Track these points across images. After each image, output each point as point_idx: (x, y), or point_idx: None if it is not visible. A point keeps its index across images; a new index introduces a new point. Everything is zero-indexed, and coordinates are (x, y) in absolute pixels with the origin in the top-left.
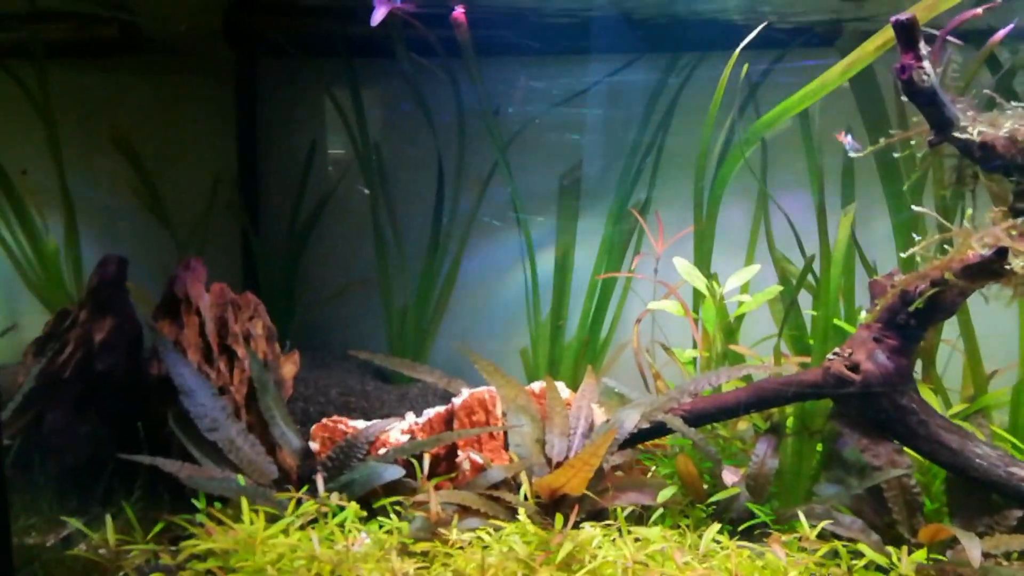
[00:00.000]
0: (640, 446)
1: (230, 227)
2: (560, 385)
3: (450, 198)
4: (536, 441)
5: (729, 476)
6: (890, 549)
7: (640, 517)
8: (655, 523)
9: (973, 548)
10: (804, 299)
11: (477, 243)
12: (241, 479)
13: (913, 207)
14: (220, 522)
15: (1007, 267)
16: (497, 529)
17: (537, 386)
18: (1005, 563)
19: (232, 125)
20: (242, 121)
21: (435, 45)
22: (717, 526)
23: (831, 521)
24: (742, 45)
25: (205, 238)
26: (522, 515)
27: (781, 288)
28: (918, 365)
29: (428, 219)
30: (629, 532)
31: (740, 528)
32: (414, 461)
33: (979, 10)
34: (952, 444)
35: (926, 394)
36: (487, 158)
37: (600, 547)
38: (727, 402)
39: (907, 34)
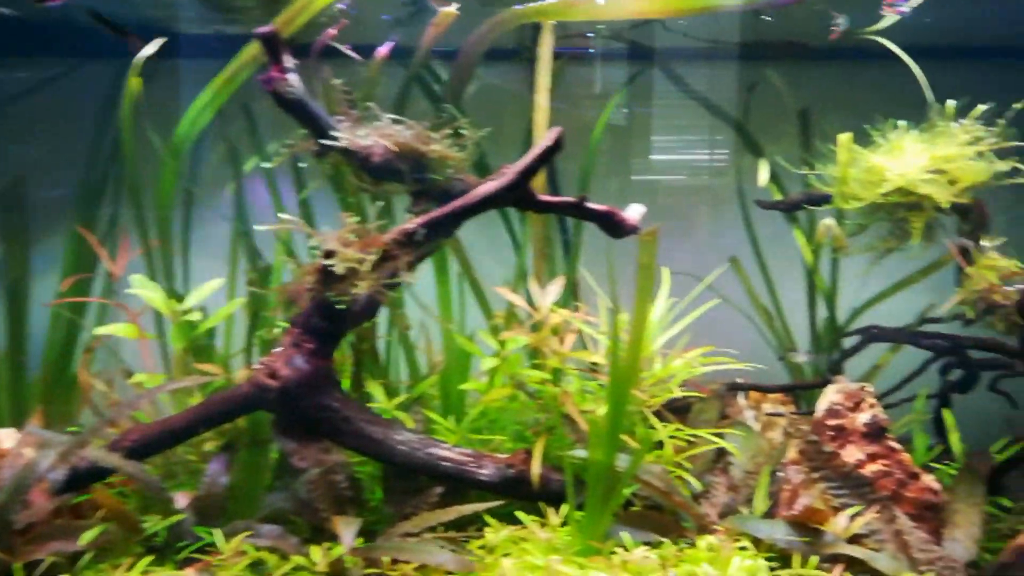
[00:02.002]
0: None
1: None
2: (6, 432)
3: None
4: None
5: (182, 501)
6: (312, 548)
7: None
8: (86, 568)
9: (346, 534)
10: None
11: None
12: None
13: (279, 215)
14: None
15: (334, 269)
16: None
17: None
18: (414, 538)
19: None
20: None
21: None
22: (147, 559)
23: (250, 533)
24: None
25: None
26: None
27: (243, 301)
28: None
29: None
30: None
31: (183, 555)
32: None
33: (332, 31)
34: (376, 435)
35: (374, 389)
36: None
37: None
38: (177, 424)
39: (270, 46)
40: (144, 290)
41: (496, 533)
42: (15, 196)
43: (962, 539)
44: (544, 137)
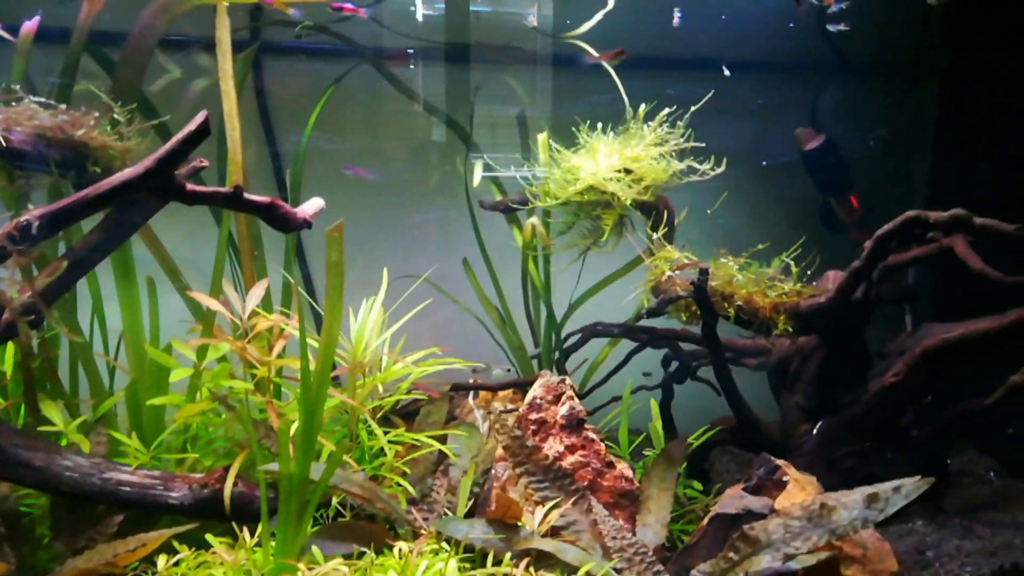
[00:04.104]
0: None
1: None
2: None
3: None
4: None
5: None
6: None
7: None
8: None
9: None
10: None
11: None
12: None
13: None
14: None
15: None
16: None
17: None
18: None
19: None
20: None
21: None
22: None
23: None
24: None
25: None
26: None
27: None
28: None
29: None
30: None
31: None
32: None
33: None
34: (35, 462)
35: (50, 411)
36: None
37: None
38: None
39: None
40: None
41: (167, 562)
42: None
43: (653, 524)
44: (192, 122)
